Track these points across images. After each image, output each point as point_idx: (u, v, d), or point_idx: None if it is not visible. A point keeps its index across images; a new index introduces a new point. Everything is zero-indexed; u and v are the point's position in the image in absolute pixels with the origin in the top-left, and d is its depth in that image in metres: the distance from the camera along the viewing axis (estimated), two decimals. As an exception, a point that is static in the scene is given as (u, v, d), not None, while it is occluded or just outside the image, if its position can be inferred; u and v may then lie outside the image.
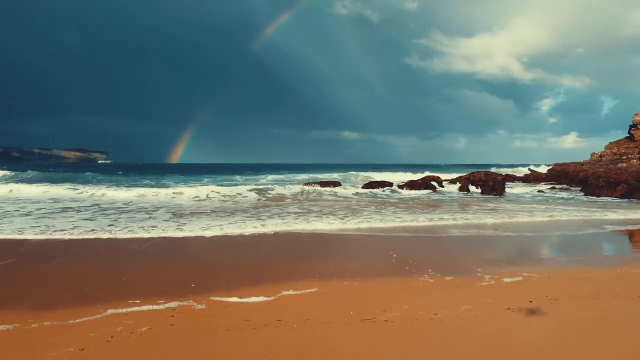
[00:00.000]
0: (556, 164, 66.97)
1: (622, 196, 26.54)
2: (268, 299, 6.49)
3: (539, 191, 30.96)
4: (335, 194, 26.11)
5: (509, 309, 6.04)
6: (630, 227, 14.53)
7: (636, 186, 26.68)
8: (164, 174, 63.04)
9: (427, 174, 38.71)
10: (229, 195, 24.67)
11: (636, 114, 60.94)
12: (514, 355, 4.64)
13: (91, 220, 14.48)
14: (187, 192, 25.26)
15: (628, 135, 63.83)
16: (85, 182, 38.42)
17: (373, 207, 19.08)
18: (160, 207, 18.61)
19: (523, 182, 40.14)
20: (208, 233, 12.26)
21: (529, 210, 18.65)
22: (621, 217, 16.71)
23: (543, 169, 61.42)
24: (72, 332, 5.13)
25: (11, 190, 25.01)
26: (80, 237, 11.52)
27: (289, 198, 23.75)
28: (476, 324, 5.53)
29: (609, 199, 26.06)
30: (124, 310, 5.86)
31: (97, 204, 19.48)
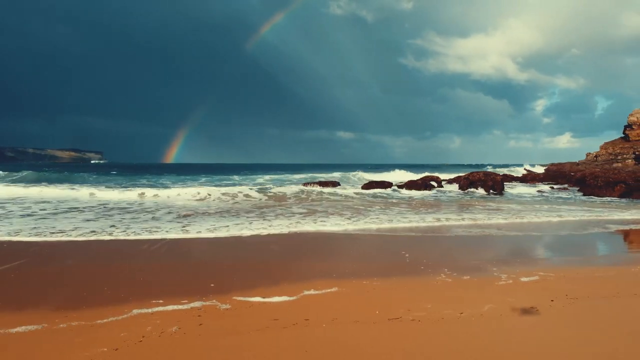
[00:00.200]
0: (552, 164, 67.39)
1: (621, 196, 26.75)
2: (290, 298, 6.50)
3: (539, 191, 31.11)
4: (336, 194, 26.12)
5: (532, 307, 6.08)
6: (636, 227, 14.63)
7: (635, 186, 26.91)
8: (161, 173, 62.84)
9: (426, 174, 38.80)
10: (230, 195, 24.62)
11: (631, 115, 61.46)
12: (547, 354, 4.67)
13: (94, 221, 14.38)
14: (188, 192, 25.19)
15: (623, 135, 64.37)
16: (83, 182, 38.21)
17: (377, 207, 19.12)
18: (163, 208, 18.55)
19: (521, 182, 40.33)
20: (216, 234, 12.24)
21: (532, 210, 18.76)
22: (627, 217, 16.83)
23: (538, 169, 61.76)
24: (101, 332, 5.11)
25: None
26: (85, 238, 11.45)
27: (290, 198, 23.74)
28: (503, 322, 5.56)
29: (608, 198, 26.25)
30: (150, 310, 5.84)
31: (98, 205, 19.38)
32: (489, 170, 43.79)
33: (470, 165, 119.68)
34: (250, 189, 27.77)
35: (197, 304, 6.14)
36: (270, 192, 26.04)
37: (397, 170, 55.90)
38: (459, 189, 31.36)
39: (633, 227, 14.62)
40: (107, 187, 29.42)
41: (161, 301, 6.23)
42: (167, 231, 12.48)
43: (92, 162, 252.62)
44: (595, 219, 16.05)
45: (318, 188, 30.79)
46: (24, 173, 46.76)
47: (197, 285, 7.18)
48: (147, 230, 12.52)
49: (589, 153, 66.83)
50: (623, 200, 25.24)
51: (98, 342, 4.80)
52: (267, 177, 51.82)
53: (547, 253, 10.86)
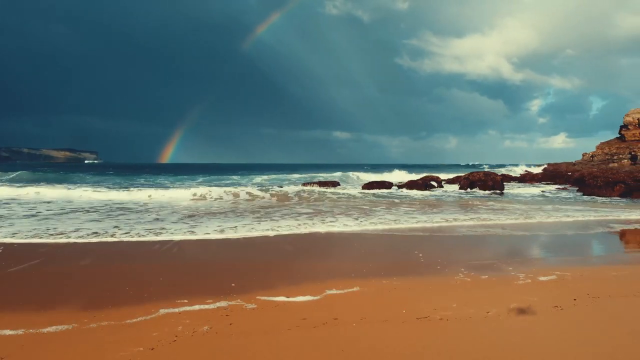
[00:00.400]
0: (548, 164, 67.73)
1: (621, 196, 26.93)
2: (314, 298, 6.50)
3: (543, 191, 31.17)
4: (338, 194, 26.13)
5: (557, 307, 6.11)
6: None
7: (634, 186, 27.09)
8: (158, 173, 62.67)
9: (426, 174, 38.87)
10: (231, 195, 24.59)
11: (627, 115, 61.90)
12: (582, 353, 4.70)
13: (99, 221, 14.29)
14: (188, 192, 25.10)
15: (619, 135, 64.82)
16: (81, 182, 38.03)
17: (382, 207, 19.16)
18: (166, 208, 18.51)
19: (519, 182, 40.54)
20: (226, 235, 12.21)
21: (538, 210, 18.85)
22: (634, 217, 16.90)
23: (534, 169, 62.07)
24: (132, 331, 5.10)
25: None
26: (93, 240, 11.42)
27: (293, 198, 23.72)
28: (530, 321, 5.59)
29: (609, 198, 26.40)
30: (177, 310, 5.83)
31: (99, 206, 19.32)
32: (486, 170, 44.00)
33: (467, 166, 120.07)
34: (251, 189, 27.77)
35: (222, 303, 6.14)
36: (271, 192, 26.00)
37: (395, 171, 56.00)
38: (460, 189, 31.49)
39: (634, 226, 14.73)
40: (107, 187, 29.30)
41: (186, 301, 6.22)
42: (172, 232, 12.30)
43: (85, 162, 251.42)
44: (605, 219, 16.12)
45: (318, 188, 30.80)
46: (16, 173, 46.17)
47: (218, 285, 7.17)
48: (152, 232, 12.24)
49: (585, 153, 67.28)
50: (623, 200, 25.40)
51: (132, 341, 4.79)
52: (264, 176, 51.76)
53: (560, 252, 10.91)
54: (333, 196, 25.18)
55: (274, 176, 52.19)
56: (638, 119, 61.96)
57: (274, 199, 23.49)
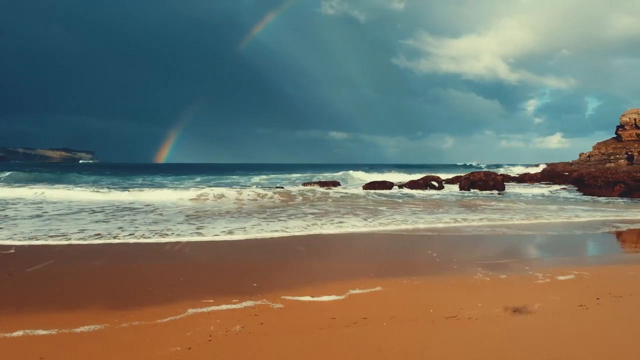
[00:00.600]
0: (547, 164, 68.04)
1: (621, 195, 27.10)
2: (339, 297, 6.52)
3: (549, 191, 31.25)
4: (340, 194, 26.13)
5: (582, 306, 6.16)
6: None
7: (634, 186, 27.27)
8: (155, 173, 62.49)
9: (425, 174, 38.93)
10: (234, 194, 24.53)
11: (623, 115, 62.28)
12: (616, 352, 4.73)
13: (105, 222, 14.18)
14: (188, 192, 24.91)
15: (615, 135, 65.19)
16: (79, 182, 37.88)
17: (387, 207, 19.20)
18: (168, 208, 18.47)
19: (518, 182, 40.67)
20: (236, 236, 12.13)
21: (544, 210, 18.94)
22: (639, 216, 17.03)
23: (532, 169, 62.31)
24: (166, 331, 5.09)
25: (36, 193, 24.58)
26: (99, 241, 11.38)
27: (297, 198, 23.70)
28: (558, 320, 5.62)
29: (609, 198, 26.55)
30: (205, 309, 5.83)
31: (100, 206, 19.25)
32: (484, 169, 44.17)
33: (463, 166, 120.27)
34: (253, 188, 27.73)
35: (249, 303, 6.14)
36: (273, 192, 25.96)
37: (394, 171, 56.12)
38: (460, 189, 31.58)
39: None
40: (108, 188, 29.21)
41: (211, 301, 6.21)
42: (178, 234, 11.99)
43: (80, 162, 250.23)
44: (610, 219, 16.22)
45: (319, 188, 30.79)
46: (8, 173, 45.22)
47: (240, 285, 7.17)
48: (158, 234, 11.95)
49: (582, 153, 67.67)
50: (624, 200, 25.55)
51: (168, 341, 4.79)
52: (263, 176, 51.72)
53: (574, 252, 10.99)
54: (336, 195, 25.21)
55: (272, 176, 52.17)
56: (635, 119, 62.44)
57: (278, 199, 23.45)
